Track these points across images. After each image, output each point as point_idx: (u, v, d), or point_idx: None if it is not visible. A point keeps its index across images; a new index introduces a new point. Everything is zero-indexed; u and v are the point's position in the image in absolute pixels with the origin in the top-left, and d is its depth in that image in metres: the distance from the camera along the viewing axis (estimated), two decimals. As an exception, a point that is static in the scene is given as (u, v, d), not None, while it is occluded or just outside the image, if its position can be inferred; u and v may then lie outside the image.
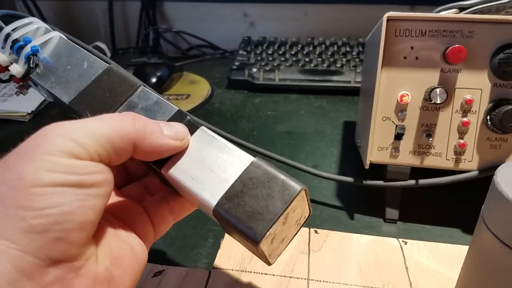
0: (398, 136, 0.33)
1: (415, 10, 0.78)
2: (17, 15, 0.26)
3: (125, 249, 0.21)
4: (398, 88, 0.32)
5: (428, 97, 0.31)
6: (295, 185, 0.20)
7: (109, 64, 0.25)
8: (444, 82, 0.31)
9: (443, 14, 0.38)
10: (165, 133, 0.21)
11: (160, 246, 0.34)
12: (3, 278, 0.15)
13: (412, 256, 0.33)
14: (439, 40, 0.31)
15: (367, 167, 0.34)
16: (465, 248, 0.25)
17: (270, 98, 0.64)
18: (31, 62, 0.24)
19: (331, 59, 0.68)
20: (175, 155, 0.22)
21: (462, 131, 0.32)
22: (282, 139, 0.52)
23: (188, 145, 0.22)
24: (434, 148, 0.33)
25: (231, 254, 0.33)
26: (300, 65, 0.67)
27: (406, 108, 0.32)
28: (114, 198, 0.24)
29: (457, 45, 0.30)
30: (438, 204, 0.39)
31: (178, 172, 0.21)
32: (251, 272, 0.31)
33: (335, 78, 0.64)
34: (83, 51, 0.25)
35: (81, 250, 0.17)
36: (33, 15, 0.29)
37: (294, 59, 0.68)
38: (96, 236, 0.19)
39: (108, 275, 0.19)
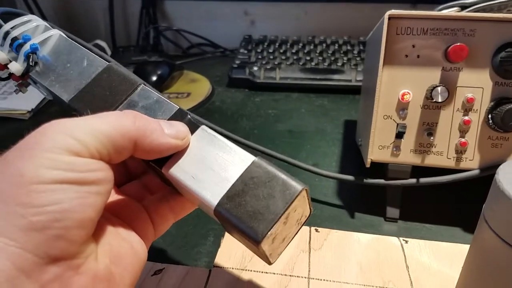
0: (399, 135, 0.32)
1: (416, 8, 0.78)
2: (16, 13, 0.26)
3: (125, 247, 0.21)
4: (400, 87, 0.32)
5: (429, 96, 0.31)
6: (296, 185, 0.20)
7: (109, 62, 0.25)
8: (445, 80, 0.31)
9: (445, 12, 0.37)
10: (166, 132, 0.21)
11: (160, 245, 0.34)
12: (2, 275, 0.15)
13: (413, 255, 0.33)
14: (440, 38, 0.31)
15: (368, 165, 0.34)
16: (466, 247, 0.25)
17: (270, 97, 0.64)
18: (31, 60, 0.24)
19: (332, 58, 0.67)
20: (176, 154, 0.22)
21: (463, 130, 0.32)
22: (283, 137, 0.52)
23: (188, 144, 0.22)
24: (435, 147, 0.33)
25: (231, 253, 0.33)
26: (301, 63, 0.66)
27: (407, 106, 0.32)
28: (114, 196, 0.24)
29: (458, 44, 0.30)
30: (439, 203, 0.39)
31: (179, 171, 0.21)
32: (251, 270, 0.31)
33: (336, 76, 0.64)
34: (83, 49, 0.25)
35: (80, 248, 0.17)
36: (32, 13, 0.28)
37: (295, 57, 0.68)
38: (96, 234, 0.19)
39: (108, 273, 0.19)
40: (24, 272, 0.15)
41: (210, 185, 0.21)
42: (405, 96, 0.32)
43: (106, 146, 0.18)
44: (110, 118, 0.19)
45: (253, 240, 0.19)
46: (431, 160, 0.33)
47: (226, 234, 0.35)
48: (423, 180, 0.34)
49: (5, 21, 0.25)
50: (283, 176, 0.20)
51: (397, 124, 0.32)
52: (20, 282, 0.15)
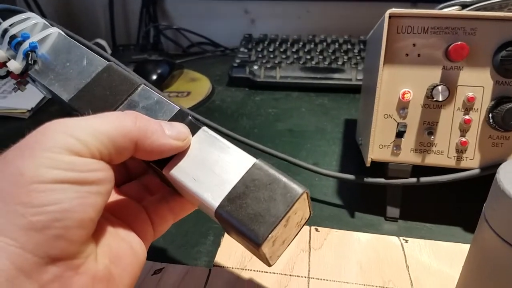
0: (400, 134, 0.32)
1: (417, 7, 0.78)
2: (15, 10, 0.26)
3: (124, 247, 0.21)
4: (400, 86, 0.32)
5: (430, 95, 0.31)
6: (297, 188, 0.20)
7: (109, 61, 0.25)
8: (446, 79, 0.31)
9: (446, 11, 0.37)
10: (167, 133, 0.21)
11: (160, 244, 0.34)
12: (2, 275, 0.15)
13: (413, 254, 0.33)
14: (441, 37, 0.31)
15: (368, 165, 0.34)
16: (466, 246, 0.25)
17: (271, 96, 0.64)
18: (30, 58, 0.24)
19: (333, 57, 0.67)
20: (177, 156, 0.22)
21: (463, 129, 0.32)
22: (283, 136, 0.52)
23: (189, 145, 0.22)
24: (435, 146, 0.33)
25: (231, 252, 0.33)
26: (301, 62, 0.66)
27: (407, 105, 0.32)
28: (114, 197, 0.24)
29: (459, 42, 0.30)
30: (439, 202, 0.39)
31: (180, 172, 0.21)
32: (251, 270, 0.31)
33: (336, 75, 0.64)
34: (83, 47, 0.25)
35: (80, 248, 0.17)
36: (32, 10, 0.28)
37: (295, 56, 0.68)
38: (96, 234, 0.19)
39: (107, 274, 0.19)
40: (24, 272, 0.15)
41: (211, 187, 0.21)
42: (405, 95, 0.32)
43: (107, 146, 0.18)
44: (111, 118, 0.19)
45: (253, 242, 0.19)
46: (432, 159, 0.33)
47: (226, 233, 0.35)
48: (423, 179, 0.34)
49: (4, 18, 0.25)
50: (284, 178, 0.20)
51: (398, 123, 0.32)
52: (19, 282, 0.15)
